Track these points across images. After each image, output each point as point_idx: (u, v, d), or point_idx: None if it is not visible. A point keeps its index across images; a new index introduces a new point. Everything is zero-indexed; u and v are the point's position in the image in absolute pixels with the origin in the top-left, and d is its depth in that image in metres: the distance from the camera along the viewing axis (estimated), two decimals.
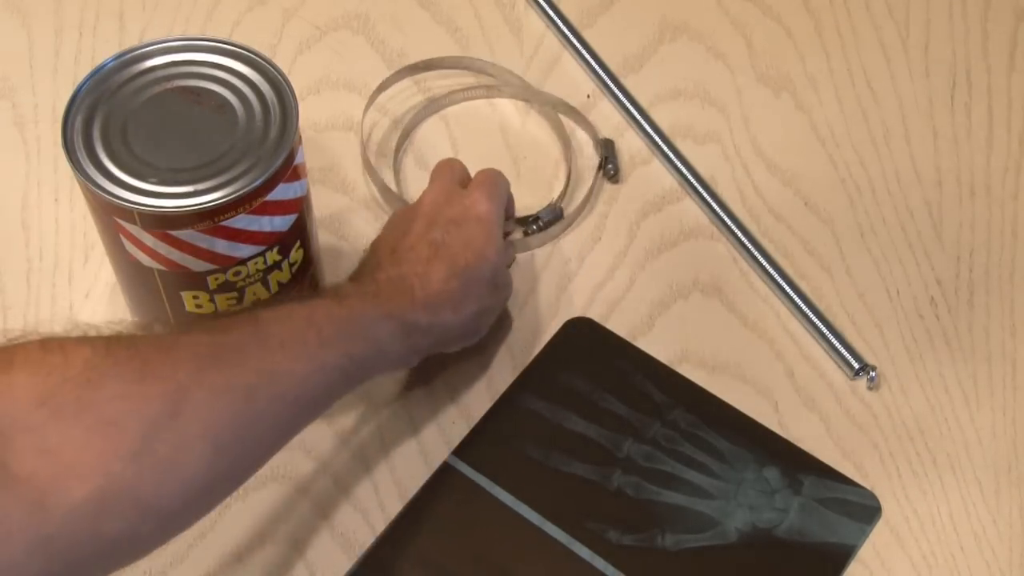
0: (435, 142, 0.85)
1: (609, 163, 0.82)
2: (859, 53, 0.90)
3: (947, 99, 0.87)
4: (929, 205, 0.82)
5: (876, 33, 0.91)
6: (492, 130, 0.86)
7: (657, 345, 0.75)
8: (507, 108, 0.86)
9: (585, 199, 0.81)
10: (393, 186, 0.82)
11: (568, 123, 0.85)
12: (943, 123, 0.86)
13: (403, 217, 0.73)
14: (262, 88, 0.65)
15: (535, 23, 0.91)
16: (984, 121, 0.86)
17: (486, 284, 0.71)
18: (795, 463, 0.71)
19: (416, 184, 0.83)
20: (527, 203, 0.80)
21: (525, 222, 0.80)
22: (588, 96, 0.87)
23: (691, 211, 0.81)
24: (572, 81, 0.88)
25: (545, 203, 0.81)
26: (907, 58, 0.89)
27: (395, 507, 0.70)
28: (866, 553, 0.69)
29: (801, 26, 0.91)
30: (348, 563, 0.68)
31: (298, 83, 0.67)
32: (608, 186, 0.83)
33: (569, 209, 0.81)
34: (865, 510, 0.70)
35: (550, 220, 0.80)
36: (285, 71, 0.65)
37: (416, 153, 0.84)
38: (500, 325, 0.76)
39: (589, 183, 0.82)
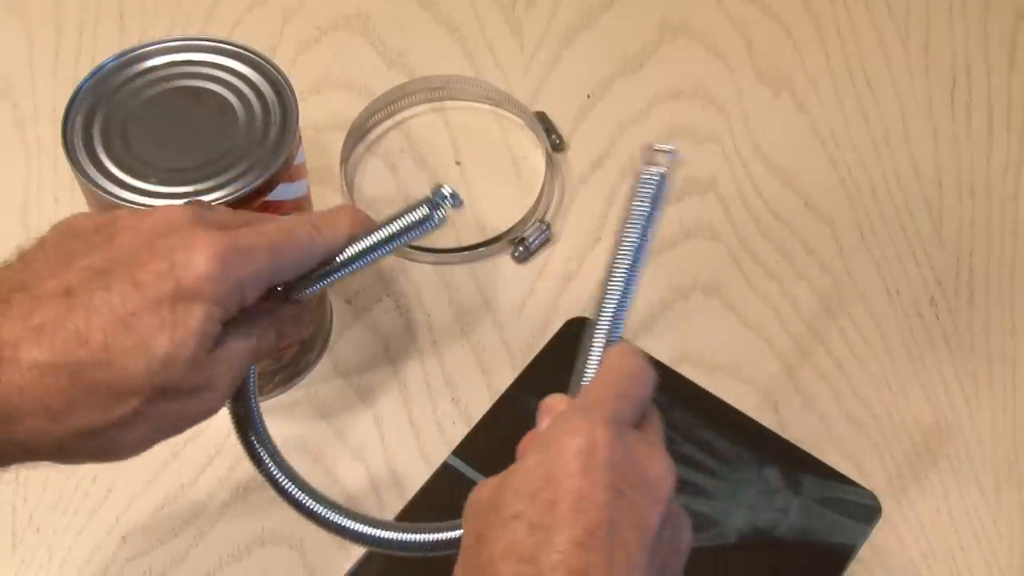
0: (434, 141, 0.85)
1: (552, 134, 0.83)
2: (859, 53, 0.90)
3: (947, 99, 0.87)
4: (929, 205, 0.82)
5: (876, 33, 0.91)
6: (494, 137, 0.86)
7: (657, 345, 0.75)
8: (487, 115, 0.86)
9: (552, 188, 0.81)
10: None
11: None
12: (943, 123, 0.86)
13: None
14: (262, 88, 0.65)
15: (535, 23, 0.91)
16: (984, 121, 0.86)
17: None
18: (795, 463, 0.71)
19: (413, 183, 0.83)
20: (506, 213, 0.81)
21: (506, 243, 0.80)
22: (588, 96, 0.87)
23: (691, 211, 0.81)
24: (572, 81, 0.88)
25: (523, 212, 0.81)
26: (907, 58, 0.89)
27: (395, 507, 0.70)
28: (866, 553, 0.69)
29: (801, 26, 0.91)
30: (348, 563, 0.68)
31: (298, 83, 0.67)
32: (608, 187, 0.83)
33: (556, 224, 0.81)
34: (865, 510, 0.70)
35: (540, 243, 0.80)
36: (285, 71, 0.65)
37: (416, 152, 0.84)
38: (500, 325, 0.76)
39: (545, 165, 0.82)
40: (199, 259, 0.47)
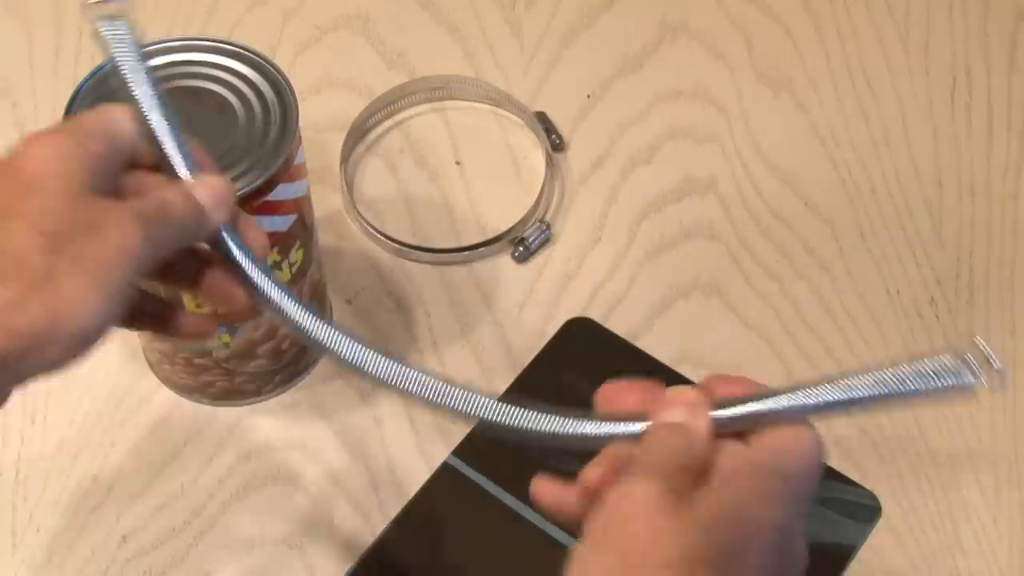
0: (434, 141, 0.85)
1: (552, 134, 0.83)
2: (859, 53, 0.90)
3: (947, 99, 0.87)
4: (929, 205, 0.82)
5: (876, 33, 0.91)
6: (494, 137, 0.86)
7: (657, 345, 0.75)
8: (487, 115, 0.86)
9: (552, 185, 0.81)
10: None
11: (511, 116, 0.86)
12: (943, 123, 0.86)
13: None
14: (262, 88, 0.65)
15: (535, 23, 0.91)
16: (984, 121, 0.86)
17: None
18: None
19: (413, 183, 0.83)
20: (506, 213, 0.81)
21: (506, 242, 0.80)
22: (588, 96, 0.87)
23: (691, 211, 0.82)
24: (572, 81, 0.88)
25: (523, 212, 0.81)
26: (907, 58, 0.89)
27: (395, 507, 0.70)
28: (866, 553, 0.69)
29: (801, 26, 0.91)
30: (348, 563, 0.68)
31: (298, 83, 0.67)
32: (608, 187, 0.83)
33: (556, 224, 0.81)
34: (865, 510, 0.70)
35: (540, 243, 0.80)
36: (285, 71, 0.65)
37: (416, 152, 0.84)
38: (500, 325, 0.76)
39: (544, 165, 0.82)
40: (33, 145, 0.48)
